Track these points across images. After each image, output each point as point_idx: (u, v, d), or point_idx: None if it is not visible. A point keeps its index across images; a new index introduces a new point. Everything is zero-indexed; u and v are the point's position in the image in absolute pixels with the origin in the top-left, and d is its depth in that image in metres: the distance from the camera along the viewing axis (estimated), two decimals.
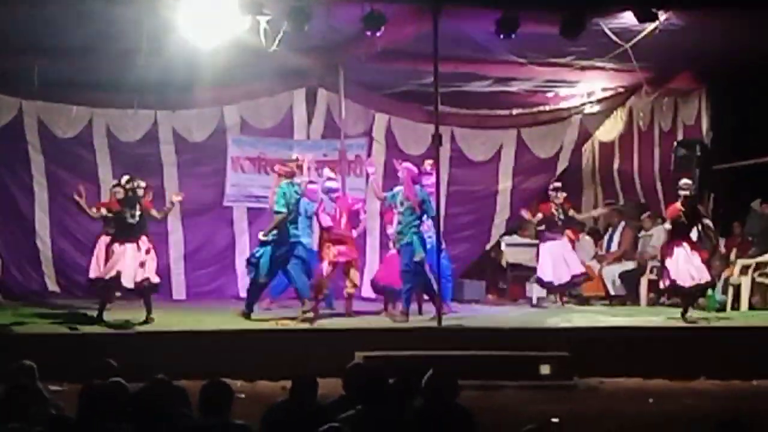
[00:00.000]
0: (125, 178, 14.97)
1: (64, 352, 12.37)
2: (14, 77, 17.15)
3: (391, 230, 15.64)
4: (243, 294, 17.59)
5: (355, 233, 15.81)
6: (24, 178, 17.99)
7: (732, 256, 17.33)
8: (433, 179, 15.14)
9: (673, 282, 15.12)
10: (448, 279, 16.05)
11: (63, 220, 17.60)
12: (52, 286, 17.91)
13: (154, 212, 14.76)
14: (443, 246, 15.26)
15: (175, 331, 13.81)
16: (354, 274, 15.73)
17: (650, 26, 14.30)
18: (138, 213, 14.51)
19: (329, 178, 16.04)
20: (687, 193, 15.25)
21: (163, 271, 17.82)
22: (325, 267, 15.39)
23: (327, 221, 15.50)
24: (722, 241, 17.57)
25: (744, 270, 16.65)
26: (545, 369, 13.07)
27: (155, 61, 15.06)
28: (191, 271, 18.40)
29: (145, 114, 18.24)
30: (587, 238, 19.26)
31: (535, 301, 17.66)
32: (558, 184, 17.66)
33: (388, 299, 15.96)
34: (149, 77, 16.25)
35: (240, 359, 12.73)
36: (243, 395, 10.79)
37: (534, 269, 17.76)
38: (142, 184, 14.91)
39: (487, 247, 19.35)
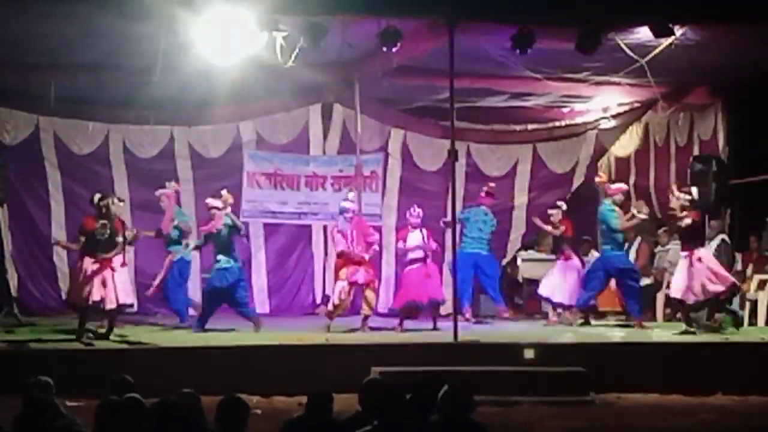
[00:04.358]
0: (97, 195, 15.00)
1: (80, 367, 12.39)
2: (31, 93, 17.23)
3: (401, 245, 16.30)
4: (259, 309, 17.70)
5: (367, 256, 15.82)
6: (41, 194, 18.06)
7: (749, 271, 17.26)
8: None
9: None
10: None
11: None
12: None
13: (122, 234, 14.72)
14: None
15: (192, 347, 13.83)
16: (371, 296, 15.80)
17: (666, 41, 14.28)
18: (108, 231, 14.52)
19: (345, 199, 16.18)
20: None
21: None
22: (344, 286, 15.47)
23: (341, 245, 15.66)
24: (739, 256, 17.53)
25: (761, 285, 16.61)
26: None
27: (172, 77, 15.10)
28: None
29: (162, 130, 18.32)
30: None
31: (551, 317, 17.62)
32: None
33: (413, 315, 16.05)
34: (166, 93, 16.31)
35: (256, 375, 12.72)
36: (259, 411, 10.80)
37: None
38: (120, 204, 15.01)
39: (503, 262, 19.32)
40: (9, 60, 15.40)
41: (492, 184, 17.82)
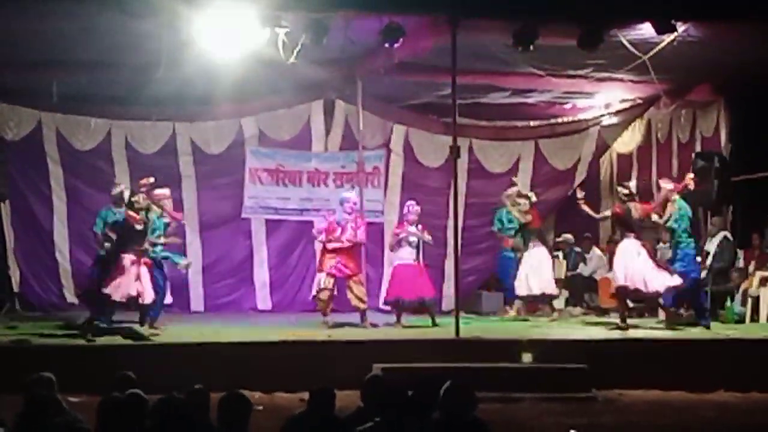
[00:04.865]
0: (126, 191, 15.09)
1: (82, 364, 12.38)
2: (33, 90, 17.27)
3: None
4: (261, 306, 17.70)
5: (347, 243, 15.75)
6: (43, 190, 18.05)
7: (751, 268, 17.25)
8: None
9: None
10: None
11: (82, 232, 17.54)
12: (71, 298, 17.93)
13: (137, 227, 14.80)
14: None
15: (194, 343, 13.81)
16: (359, 289, 15.69)
17: (669, 38, 14.26)
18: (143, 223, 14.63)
19: (347, 190, 16.22)
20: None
21: (182, 282, 17.88)
22: (323, 278, 15.41)
23: (317, 232, 15.98)
24: (741, 253, 17.53)
25: (763, 282, 16.60)
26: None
27: (174, 73, 15.09)
28: (209, 283, 18.42)
29: (164, 126, 18.32)
30: (598, 252, 19.26)
31: (553, 314, 17.61)
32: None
33: (400, 312, 16.00)
34: (168, 90, 16.29)
35: (258, 371, 12.72)
36: (261, 407, 10.78)
37: None
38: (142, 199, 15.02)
39: None
40: (11, 57, 15.38)
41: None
